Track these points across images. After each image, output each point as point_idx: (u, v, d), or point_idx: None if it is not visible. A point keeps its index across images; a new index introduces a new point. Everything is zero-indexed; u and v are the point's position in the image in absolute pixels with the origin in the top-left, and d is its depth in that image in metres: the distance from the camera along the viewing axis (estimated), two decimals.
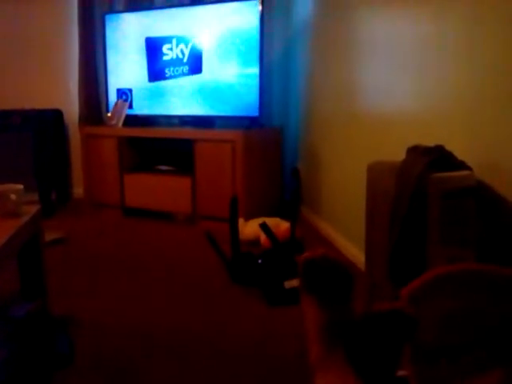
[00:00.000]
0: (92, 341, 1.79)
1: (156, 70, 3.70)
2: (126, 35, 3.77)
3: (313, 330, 0.90)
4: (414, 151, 1.53)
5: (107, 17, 3.84)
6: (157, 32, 3.66)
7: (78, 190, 4.11)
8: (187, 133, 3.45)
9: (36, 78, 4.15)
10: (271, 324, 1.94)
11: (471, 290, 0.91)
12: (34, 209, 1.79)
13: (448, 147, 1.49)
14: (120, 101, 3.81)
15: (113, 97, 3.90)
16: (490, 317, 0.88)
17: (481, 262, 1.30)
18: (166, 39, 3.62)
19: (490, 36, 1.50)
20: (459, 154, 1.47)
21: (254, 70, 3.35)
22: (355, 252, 2.50)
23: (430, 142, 1.54)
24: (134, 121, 3.79)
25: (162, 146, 3.82)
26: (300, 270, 0.94)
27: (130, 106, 3.82)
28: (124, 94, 3.84)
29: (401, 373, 0.89)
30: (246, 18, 3.33)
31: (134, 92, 3.81)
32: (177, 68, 3.62)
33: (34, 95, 4.10)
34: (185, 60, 3.59)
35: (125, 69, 3.83)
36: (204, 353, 1.72)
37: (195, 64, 3.56)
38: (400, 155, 1.58)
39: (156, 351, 1.73)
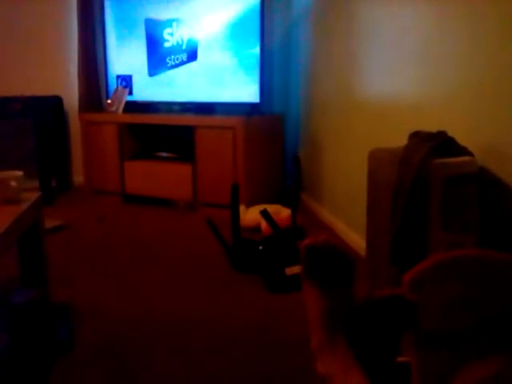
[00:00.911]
0: (93, 328, 1.79)
1: (156, 62, 3.67)
2: (126, 21, 3.74)
3: (314, 315, 0.90)
4: (416, 137, 1.52)
5: (106, 2, 3.80)
6: (156, 17, 3.62)
7: (79, 177, 4.10)
8: (188, 119, 3.43)
9: (36, 64, 4.12)
10: (273, 310, 1.94)
11: (473, 275, 0.90)
12: (34, 195, 1.78)
13: (450, 133, 1.48)
14: (120, 87, 3.79)
15: (113, 83, 3.87)
16: (491, 303, 0.88)
17: (482, 247, 1.30)
18: (166, 25, 3.59)
19: (492, 23, 1.48)
20: (461, 139, 1.46)
21: (255, 57, 3.32)
22: (356, 238, 2.50)
23: (432, 128, 1.53)
24: (134, 107, 3.77)
25: (163, 132, 3.81)
26: (301, 255, 0.94)
27: (130, 93, 3.79)
28: (124, 81, 3.82)
29: (402, 359, 0.89)
30: (246, 4, 3.30)
31: (133, 78, 3.79)
32: (177, 56, 3.59)
33: (33, 82, 4.07)
34: (185, 47, 3.56)
35: (125, 55, 3.80)
36: (206, 339, 1.73)
37: (196, 50, 3.53)
38: (402, 141, 1.57)
39: (157, 338, 1.73)
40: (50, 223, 2.74)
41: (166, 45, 3.62)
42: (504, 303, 0.88)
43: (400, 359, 0.88)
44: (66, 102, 4.10)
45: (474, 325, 0.86)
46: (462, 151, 1.42)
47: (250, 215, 2.93)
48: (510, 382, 0.81)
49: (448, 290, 0.89)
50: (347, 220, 2.74)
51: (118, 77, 3.85)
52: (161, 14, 3.60)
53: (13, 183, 1.67)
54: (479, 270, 0.91)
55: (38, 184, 3.60)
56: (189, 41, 3.54)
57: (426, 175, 1.37)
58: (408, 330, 0.86)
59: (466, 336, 0.85)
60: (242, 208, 2.80)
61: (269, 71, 3.76)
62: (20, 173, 1.72)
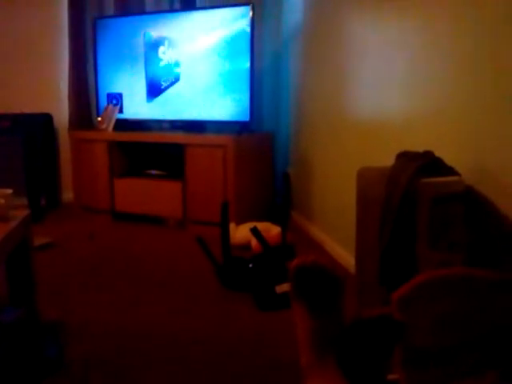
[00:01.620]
0: (82, 346, 1.77)
1: (150, 83, 3.70)
2: (117, 40, 3.77)
3: (304, 336, 0.91)
4: (404, 157, 1.54)
5: (98, 21, 3.83)
6: (147, 37, 3.65)
7: (68, 195, 4.08)
8: (178, 137, 3.44)
9: (26, 81, 4.12)
10: (263, 328, 1.94)
11: (460, 294, 0.91)
12: (23, 213, 1.77)
13: (437, 153, 1.50)
14: (110, 105, 3.80)
15: (103, 101, 3.88)
16: (478, 320, 0.89)
17: (469, 266, 1.31)
18: (158, 45, 3.62)
19: (478, 42, 1.52)
20: (448, 159, 1.48)
21: (245, 75, 3.36)
22: (346, 256, 2.51)
23: (420, 148, 1.55)
24: (124, 125, 3.78)
25: (153, 150, 3.81)
26: (290, 276, 0.94)
27: (121, 111, 3.80)
28: (114, 99, 3.83)
29: (391, 376, 0.89)
30: (236, 24, 3.34)
31: (124, 96, 3.80)
32: (168, 76, 3.62)
33: (23, 99, 4.07)
34: (176, 66, 3.59)
35: (115, 73, 3.82)
36: (197, 357, 1.72)
37: (186, 69, 3.56)
38: (390, 161, 1.59)
39: (147, 356, 1.72)
40: (38, 241, 2.72)
41: (161, 64, 3.64)
42: (491, 321, 0.89)
43: (390, 377, 0.88)
44: (55, 120, 4.10)
45: (461, 342, 0.87)
46: (449, 171, 1.44)
47: (240, 233, 2.93)
48: None
49: (436, 308, 0.90)
50: (337, 237, 2.76)
51: (108, 95, 3.86)
52: (152, 33, 3.64)
53: (1, 201, 1.67)
54: (466, 289, 0.92)
55: (27, 202, 3.57)
56: (179, 60, 3.57)
57: (414, 194, 1.38)
58: (397, 349, 0.87)
59: (454, 353, 0.86)
60: (231, 226, 2.81)
61: (259, 90, 3.80)
62: (9, 191, 1.71)
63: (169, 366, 1.66)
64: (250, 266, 2.25)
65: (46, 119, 3.99)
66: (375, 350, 0.88)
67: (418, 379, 0.86)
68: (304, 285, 0.93)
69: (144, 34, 3.65)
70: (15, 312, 1.68)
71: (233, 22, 3.35)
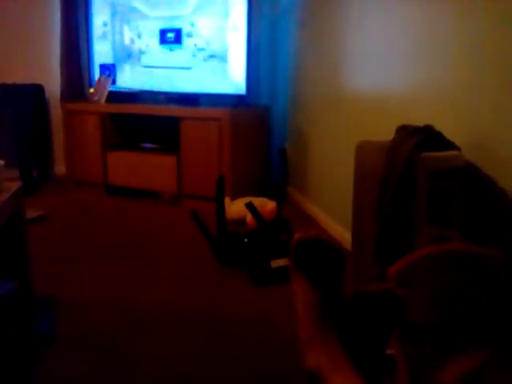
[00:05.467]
0: (75, 320, 1.77)
1: (140, 51, 3.62)
2: (110, 9, 3.67)
3: (304, 309, 0.90)
4: (404, 131, 1.52)
5: None
6: (142, 8, 3.57)
7: (60, 168, 4.03)
8: (173, 110, 3.39)
9: (17, 51, 4.03)
10: (258, 303, 1.94)
11: (457, 269, 0.91)
12: (15, 185, 1.74)
13: (437, 127, 1.48)
14: (103, 76, 3.73)
15: (96, 72, 3.81)
16: (475, 296, 0.89)
17: (467, 241, 1.31)
18: (153, 15, 3.54)
19: (480, 20, 1.49)
20: (448, 134, 1.46)
21: (242, 48, 3.29)
22: (341, 232, 2.50)
23: (419, 123, 1.53)
24: (117, 97, 3.71)
25: (147, 123, 3.76)
26: (292, 249, 0.93)
27: (114, 82, 3.73)
28: (107, 70, 3.76)
29: (388, 351, 0.89)
30: None
31: (117, 67, 3.73)
32: (164, 49, 3.55)
33: (14, 69, 3.98)
34: (171, 37, 3.51)
35: (108, 44, 3.73)
36: (191, 331, 1.72)
37: (182, 40, 3.48)
38: (389, 135, 1.57)
39: (141, 330, 1.72)
40: (31, 214, 2.69)
41: (152, 34, 3.57)
42: (488, 297, 0.89)
43: (389, 351, 0.88)
44: (47, 91, 4.02)
45: (458, 318, 0.87)
46: (449, 145, 1.43)
47: (236, 208, 2.91)
48: (492, 374, 0.82)
49: (433, 284, 0.89)
50: (332, 213, 2.75)
51: (101, 66, 3.78)
52: (146, 2, 3.55)
53: None
54: (464, 264, 0.91)
55: (19, 174, 3.53)
56: (174, 31, 3.49)
57: (413, 169, 1.37)
58: (397, 324, 0.87)
59: (450, 329, 0.86)
60: (226, 200, 2.79)
61: (255, 63, 3.73)
62: (1, 162, 1.68)
63: (164, 342, 1.66)
64: (245, 240, 2.25)
65: (38, 90, 3.91)
66: (376, 324, 0.87)
67: (414, 354, 0.86)
68: (306, 258, 0.92)
69: (137, 3, 3.57)
70: (7, 285, 1.66)
71: None
